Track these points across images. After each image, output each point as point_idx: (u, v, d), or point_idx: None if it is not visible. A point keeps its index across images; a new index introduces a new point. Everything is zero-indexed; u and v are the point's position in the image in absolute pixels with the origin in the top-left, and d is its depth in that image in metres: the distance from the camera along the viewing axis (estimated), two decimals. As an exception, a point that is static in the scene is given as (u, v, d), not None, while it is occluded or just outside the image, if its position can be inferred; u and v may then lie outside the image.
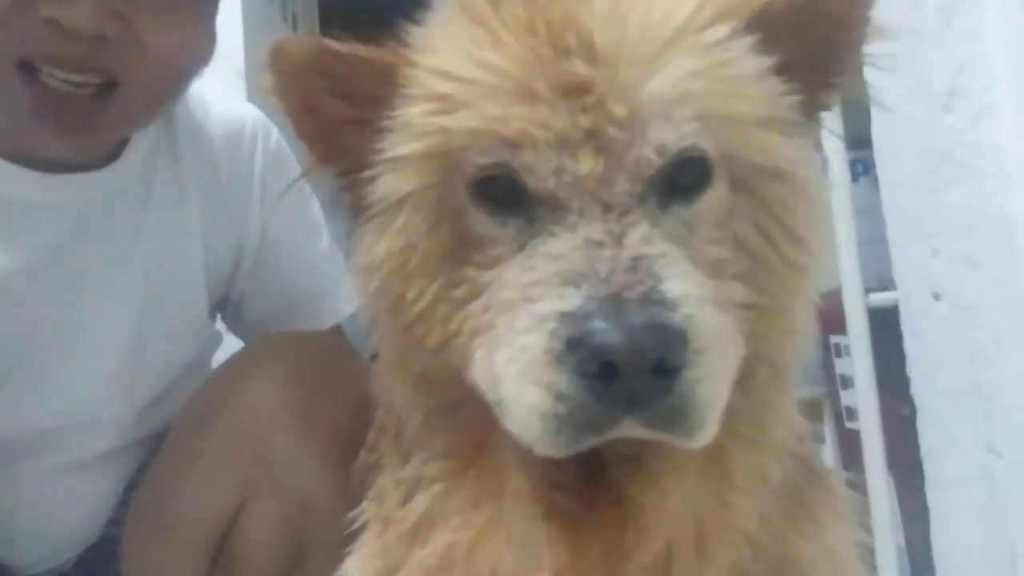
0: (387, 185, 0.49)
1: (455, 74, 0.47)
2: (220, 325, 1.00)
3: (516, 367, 0.41)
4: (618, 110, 0.44)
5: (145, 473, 0.85)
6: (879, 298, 1.17)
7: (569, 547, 0.47)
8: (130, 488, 0.88)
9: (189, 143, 0.88)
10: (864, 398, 1.17)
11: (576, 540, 0.47)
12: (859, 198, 1.26)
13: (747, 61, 0.48)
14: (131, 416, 0.86)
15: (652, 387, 0.39)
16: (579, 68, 0.44)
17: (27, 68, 0.70)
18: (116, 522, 0.86)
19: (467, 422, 0.49)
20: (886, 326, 1.16)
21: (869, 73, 1.06)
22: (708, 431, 0.42)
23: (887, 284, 1.17)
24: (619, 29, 0.45)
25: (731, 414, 0.45)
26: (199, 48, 0.76)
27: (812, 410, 1.45)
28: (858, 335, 1.17)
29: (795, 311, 0.49)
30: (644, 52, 0.45)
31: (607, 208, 0.43)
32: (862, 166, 1.38)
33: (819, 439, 1.46)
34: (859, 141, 1.20)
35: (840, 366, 1.37)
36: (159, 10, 0.71)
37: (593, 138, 0.44)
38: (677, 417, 0.40)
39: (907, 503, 1.20)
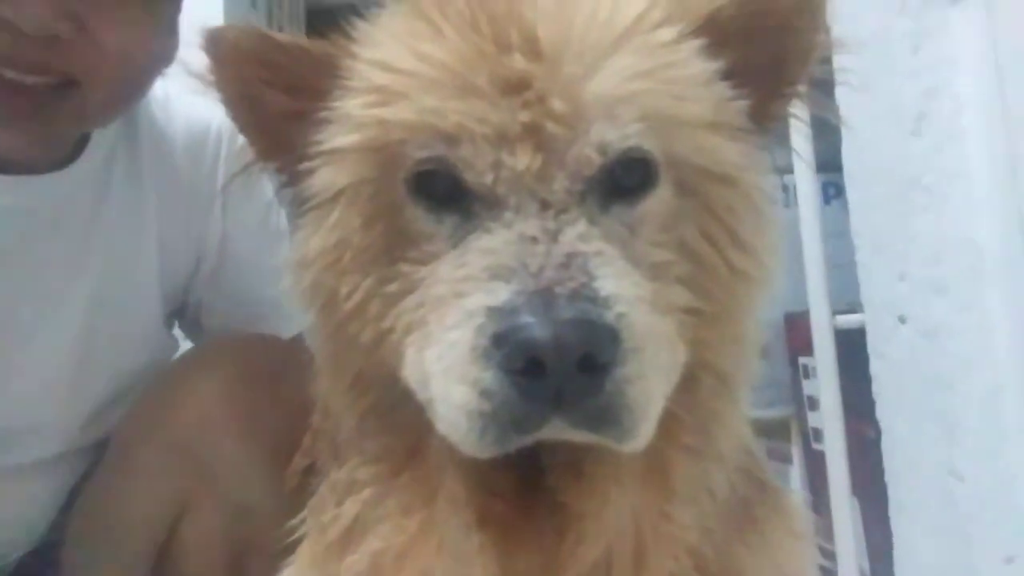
0: (323, 178, 0.48)
1: (394, 66, 0.46)
2: (178, 332, 0.98)
3: (443, 364, 0.40)
4: (559, 106, 0.43)
5: (89, 477, 0.82)
6: (846, 320, 1.17)
7: (502, 556, 0.46)
8: (74, 492, 0.85)
9: (150, 145, 0.86)
10: (830, 420, 1.17)
11: (510, 549, 0.46)
12: (829, 221, 1.26)
13: (695, 64, 0.47)
14: (76, 421, 0.84)
15: (579, 384, 0.38)
16: (520, 63, 0.43)
17: None
18: (58, 526, 0.84)
19: (401, 425, 0.48)
20: (853, 348, 1.16)
21: (838, 94, 1.06)
22: (642, 435, 0.41)
23: (855, 307, 1.17)
24: (563, 26, 0.44)
25: (674, 422, 0.45)
26: (158, 47, 0.75)
27: (780, 430, 1.45)
28: (825, 357, 1.17)
29: (739, 318, 0.49)
30: (588, 49, 0.44)
31: (545, 205, 0.43)
32: (834, 189, 1.39)
33: (786, 459, 1.46)
34: (831, 164, 1.21)
35: (807, 387, 1.36)
36: (114, 9, 0.70)
37: (532, 134, 0.43)
38: (607, 417, 0.39)
39: (871, 526, 1.19)
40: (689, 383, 0.46)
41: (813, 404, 1.34)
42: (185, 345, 0.97)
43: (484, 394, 0.39)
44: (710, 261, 0.47)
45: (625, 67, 0.44)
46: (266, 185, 0.95)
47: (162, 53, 0.76)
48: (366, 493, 0.50)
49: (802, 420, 1.40)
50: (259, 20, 2.60)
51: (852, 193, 1.15)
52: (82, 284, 0.81)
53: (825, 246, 1.21)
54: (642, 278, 0.43)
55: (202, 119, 0.90)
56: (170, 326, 0.95)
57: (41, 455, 0.83)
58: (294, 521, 0.58)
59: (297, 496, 0.60)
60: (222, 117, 0.93)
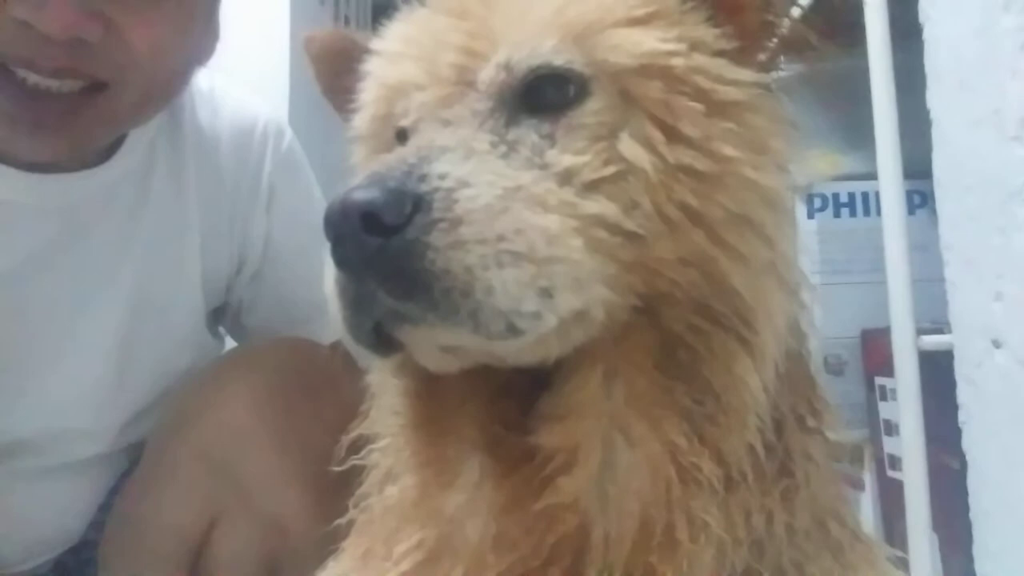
0: (353, 159, 0.54)
1: (379, 51, 0.51)
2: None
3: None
4: (475, 42, 0.46)
5: (127, 479, 0.81)
6: (932, 341, 1.08)
7: (507, 486, 0.44)
8: (114, 492, 0.84)
9: (193, 141, 0.84)
10: (910, 448, 1.08)
11: (515, 480, 0.44)
12: (915, 232, 1.18)
13: None
14: (117, 423, 0.82)
15: (364, 244, 0.38)
16: (469, 23, 0.47)
17: (1, 67, 0.66)
18: (97, 526, 0.83)
19: (411, 369, 0.49)
20: (936, 371, 1.07)
21: (930, 94, 0.97)
22: (479, 317, 0.39)
23: (941, 326, 1.08)
24: None
25: (642, 356, 0.43)
26: (193, 44, 0.72)
27: (853, 455, 1.37)
28: (907, 380, 1.09)
29: (691, 230, 0.43)
30: None
31: (445, 124, 0.44)
32: (919, 197, 1.31)
33: (858, 486, 1.37)
34: (918, 171, 1.12)
35: (885, 410, 1.28)
36: (144, 9, 0.66)
37: (455, 73, 0.46)
38: (415, 285, 0.39)
39: (951, 566, 1.11)
40: (655, 317, 0.43)
41: (890, 428, 1.25)
42: (230, 345, 0.95)
43: (334, 283, 0.42)
44: (641, 165, 0.43)
45: None
46: (311, 186, 0.92)
47: (198, 49, 0.73)
48: (388, 443, 0.51)
49: (877, 445, 1.31)
50: (326, 14, 2.61)
51: (943, 203, 1.06)
52: (122, 284, 0.80)
53: (909, 259, 1.13)
54: (536, 181, 0.42)
55: (248, 115, 0.88)
56: (213, 326, 0.93)
57: (81, 456, 0.82)
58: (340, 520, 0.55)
59: (334, 507, 0.57)
60: (268, 113, 0.92)
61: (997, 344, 0.97)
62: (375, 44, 0.52)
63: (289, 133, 0.91)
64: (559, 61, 0.44)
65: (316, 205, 0.90)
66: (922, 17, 1.04)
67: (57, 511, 0.83)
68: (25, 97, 0.66)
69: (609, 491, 0.43)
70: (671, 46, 0.44)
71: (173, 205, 0.83)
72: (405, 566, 0.47)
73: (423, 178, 0.40)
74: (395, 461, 0.51)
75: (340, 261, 0.40)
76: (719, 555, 0.43)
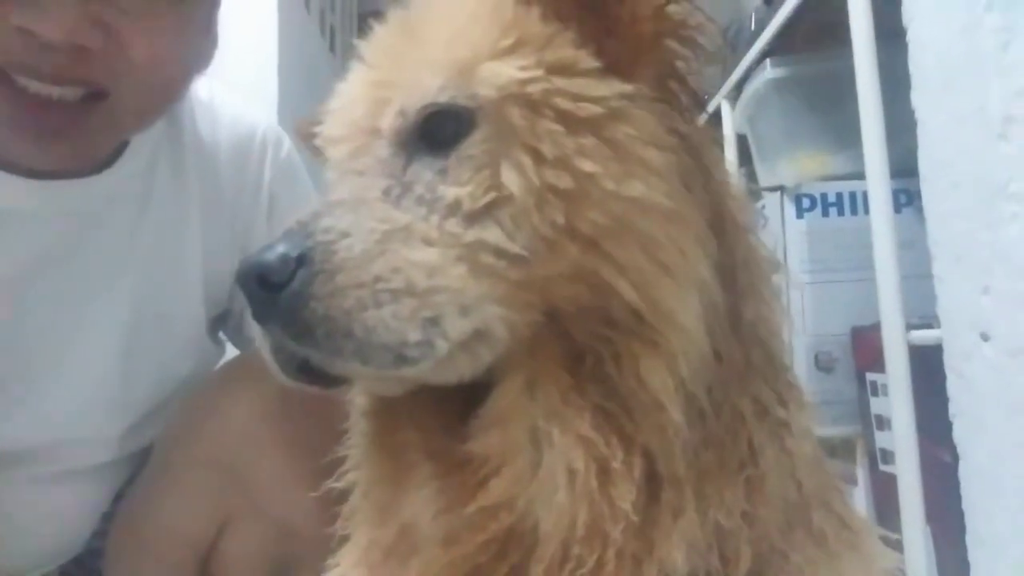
0: None
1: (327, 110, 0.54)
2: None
3: None
4: (383, 93, 0.49)
5: (130, 487, 0.81)
6: (921, 336, 1.10)
7: (448, 489, 0.47)
8: (117, 500, 0.84)
9: (193, 149, 0.84)
10: (902, 442, 1.10)
11: (455, 482, 0.47)
12: (901, 230, 1.20)
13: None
14: (120, 431, 0.82)
15: (261, 299, 0.44)
16: (371, 76, 0.51)
17: (1, 75, 0.65)
18: (101, 534, 0.83)
19: (365, 391, 0.54)
20: (927, 366, 1.09)
21: (915, 94, 0.99)
22: (361, 355, 0.43)
23: (930, 322, 1.10)
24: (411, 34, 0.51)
25: (552, 366, 0.46)
26: (192, 53, 0.72)
27: (845, 450, 1.38)
28: (898, 374, 1.10)
29: (567, 246, 0.45)
30: (422, 31, 0.50)
31: (357, 175, 0.48)
32: (905, 196, 1.33)
33: (851, 481, 1.39)
34: (903, 170, 1.14)
35: (876, 405, 1.29)
36: (144, 17, 0.66)
37: (368, 123, 0.49)
38: (305, 332, 0.43)
39: (945, 557, 1.12)
40: (560, 327, 0.46)
41: (881, 423, 1.27)
42: (231, 352, 0.95)
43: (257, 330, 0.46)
44: (514, 190, 0.45)
45: (433, 32, 0.49)
46: (310, 193, 0.93)
47: (196, 57, 0.73)
48: (356, 460, 0.55)
49: (869, 440, 1.32)
50: (312, 23, 2.61)
51: (930, 201, 1.08)
52: (124, 291, 0.79)
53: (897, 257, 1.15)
54: (422, 218, 0.45)
55: (247, 123, 0.88)
56: (214, 332, 0.93)
57: (84, 464, 0.82)
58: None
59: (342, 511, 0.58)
60: (266, 123, 0.92)
61: (985, 337, 0.98)
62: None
63: (288, 141, 0.91)
64: (443, 98, 0.47)
65: None
66: (906, 18, 1.05)
67: (60, 520, 0.83)
68: (27, 105, 0.66)
69: (536, 489, 0.45)
70: (529, 73, 0.46)
71: (174, 213, 0.83)
72: (365, 566, 0.52)
73: (309, 235, 0.44)
74: (362, 477, 0.55)
75: (252, 314, 0.45)
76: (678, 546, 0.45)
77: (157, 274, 0.81)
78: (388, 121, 0.48)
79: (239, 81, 1.70)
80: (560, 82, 0.46)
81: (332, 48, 2.78)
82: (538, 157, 0.45)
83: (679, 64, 0.49)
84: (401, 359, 0.44)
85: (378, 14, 0.54)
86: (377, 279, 0.43)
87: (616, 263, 0.45)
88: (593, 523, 0.44)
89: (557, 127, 0.45)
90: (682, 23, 0.48)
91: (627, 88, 0.47)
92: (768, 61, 1.41)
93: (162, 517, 0.74)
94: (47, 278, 0.75)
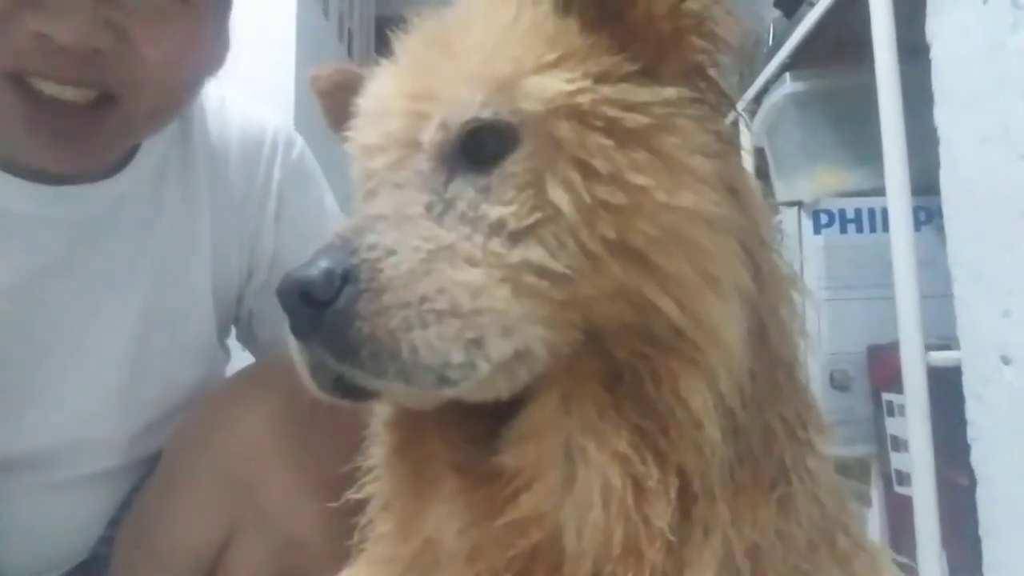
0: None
1: (358, 109, 0.53)
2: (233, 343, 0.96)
3: None
4: (423, 106, 0.48)
5: (137, 495, 0.81)
6: (940, 357, 1.08)
7: (476, 502, 0.47)
8: (124, 506, 0.84)
9: (203, 153, 0.84)
10: (919, 465, 1.08)
11: (483, 496, 0.47)
12: (920, 248, 1.18)
13: (526, 11, 0.48)
14: (128, 437, 0.82)
15: (304, 317, 0.43)
16: (410, 87, 0.49)
17: (17, 79, 0.66)
18: (107, 540, 0.83)
19: (391, 402, 0.52)
20: (945, 387, 1.07)
21: (938, 112, 0.97)
22: (409, 374, 0.43)
23: (948, 342, 1.08)
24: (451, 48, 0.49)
25: (591, 385, 0.45)
26: (204, 56, 0.72)
27: (859, 471, 1.36)
28: (916, 395, 1.09)
29: (612, 263, 0.44)
30: (457, 44, 0.49)
31: (396, 187, 0.47)
32: (925, 214, 1.31)
33: (865, 502, 1.37)
34: (923, 187, 1.13)
35: (892, 426, 1.28)
36: (157, 20, 0.67)
37: (406, 135, 0.48)
38: (348, 350, 0.43)
39: (961, 583, 1.10)
40: (600, 346, 0.45)
41: (897, 444, 1.25)
42: (238, 356, 0.95)
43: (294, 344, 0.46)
44: (563, 207, 0.44)
45: (471, 45, 0.48)
46: (323, 196, 0.92)
47: (208, 59, 0.73)
48: (377, 472, 0.54)
49: (884, 461, 1.31)
50: (330, 28, 2.62)
51: (951, 220, 1.06)
52: (134, 295, 0.79)
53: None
54: (465, 237, 0.45)
55: (257, 127, 0.88)
56: (224, 337, 0.92)
57: (91, 469, 0.81)
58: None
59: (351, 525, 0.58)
60: (277, 125, 0.92)
61: (1006, 360, 0.97)
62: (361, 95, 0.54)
63: (300, 142, 0.91)
64: (486, 114, 0.46)
65: (327, 215, 0.90)
66: (929, 34, 1.04)
67: (67, 525, 0.83)
68: (42, 106, 0.66)
69: (570, 505, 0.45)
70: (576, 84, 0.45)
71: (184, 216, 0.83)
72: None
73: (353, 251, 0.43)
74: (383, 489, 0.54)
75: (292, 329, 0.45)
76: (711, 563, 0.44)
77: (167, 279, 0.81)
78: (429, 135, 0.47)
79: (257, 85, 1.71)
80: (606, 90, 0.45)
81: (350, 53, 2.80)
82: (588, 172, 0.44)
83: (703, 59, 0.49)
84: (443, 380, 0.43)
85: (397, 19, 0.53)
86: (423, 299, 0.43)
87: (661, 277, 0.44)
88: (629, 542, 0.43)
89: (607, 141, 0.45)
90: (700, 18, 0.48)
91: (668, 93, 0.46)
92: (788, 75, 1.40)
93: (168, 529, 0.73)
94: (57, 283, 0.75)
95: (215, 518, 0.72)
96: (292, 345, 0.46)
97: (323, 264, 0.43)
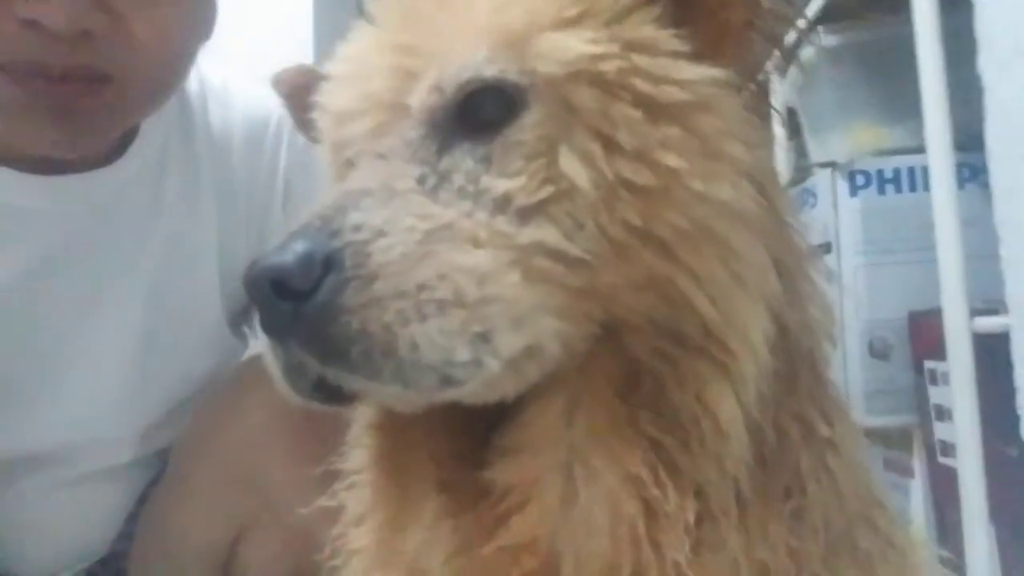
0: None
1: (327, 75, 0.48)
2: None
3: None
4: (413, 63, 0.42)
5: (153, 490, 0.80)
6: (986, 323, 1.03)
7: (462, 525, 0.42)
8: (141, 501, 0.83)
9: (205, 138, 0.82)
10: (965, 436, 1.03)
11: (469, 519, 0.42)
12: (964, 207, 1.13)
13: None
14: (140, 431, 0.81)
15: (278, 311, 0.37)
16: (397, 42, 0.43)
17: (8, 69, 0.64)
18: (126, 536, 0.83)
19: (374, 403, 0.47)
20: (990, 354, 1.02)
21: (982, 61, 0.91)
22: (406, 376, 0.37)
23: (996, 306, 1.03)
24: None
25: (603, 387, 0.41)
26: (195, 26, 0.70)
27: (901, 440, 1.32)
28: (960, 363, 1.04)
29: (640, 251, 0.39)
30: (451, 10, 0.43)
31: (379, 157, 0.41)
32: (968, 170, 1.25)
33: (907, 473, 1.33)
34: (968, 142, 1.07)
35: (935, 395, 1.23)
36: None
37: (392, 97, 0.43)
38: (336, 350, 0.37)
39: (1010, 560, 1.06)
40: (618, 344, 0.40)
41: (941, 414, 1.20)
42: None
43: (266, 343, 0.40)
44: (579, 182, 0.39)
45: (471, 5, 0.42)
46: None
47: (199, 28, 0.71)
48: (354, 480, 0.50)
49: (927, 431, 1.26)
50: (349, 10, 2.58)
51: (997, 176, 1.00)
52: (138, 286, 0.78)
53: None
54: (466, 214, 0.39)
55: (262, 108, 0.85)
56: (237, 327, 0.90)
57: (105, 465, 0.81)
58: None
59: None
60: (283, 108, 0.89)
61: (1058, 325, 0.91)
62: (325, 68, 0.48)
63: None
64: (490, 72, 0.40)
65: None
66: (972, -21, 0.98)
67: (83, 522, 0.83)
68: (39, 87, 0.65)
69: (569, 530, 0.40)
70: (602, 48, 0.40)
71: (187, 204, 0.81)
72: None
73: (335, 233, 0.37)
74: (360, 501, 0.49)
75: (263, 326, 0.39)
76: None
77: (172, 268, 0.79)
78: (419, 97, 0.42)
79: (274, 62, 1.68)
80: (641, 60, 0.40)
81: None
82: (610, 145, 0.39)
83: (761, 56, 0.44)
84: (446, 380, 0.38)
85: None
86: (421, 287, 0.37)
87: (693, 272, 0.39)
88: (641, 574, 0.39)
89: (635, 112, 0.39)
90: (772, 14, 0.43)
91: (716, 73, 0.41)
92: (821, 28, 1.33)
93: (182, 532, 0.74)
94: (59, 276, 0.74)
95: (226, 515, 0.72)
96: (264, 344, 0.40)
97: (299, 248, 0.37)
